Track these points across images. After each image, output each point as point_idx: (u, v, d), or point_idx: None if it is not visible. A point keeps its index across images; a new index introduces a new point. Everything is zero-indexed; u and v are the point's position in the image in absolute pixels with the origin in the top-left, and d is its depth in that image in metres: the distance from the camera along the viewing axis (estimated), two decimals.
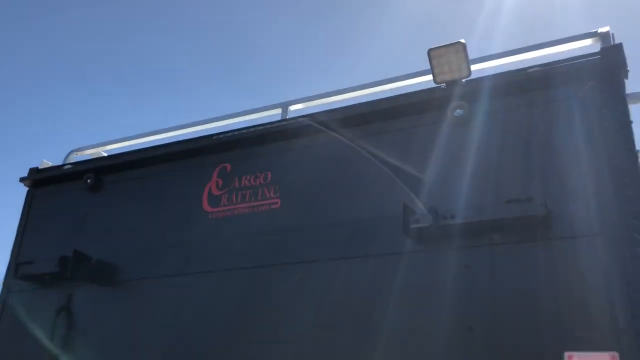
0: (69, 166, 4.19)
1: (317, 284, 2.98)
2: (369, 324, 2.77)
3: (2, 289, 3.99)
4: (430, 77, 3.20)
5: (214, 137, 3.69)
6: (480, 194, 2.78)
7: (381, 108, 3.23)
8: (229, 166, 3.55)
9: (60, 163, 4.66)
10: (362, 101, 3.55)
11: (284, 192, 3.30)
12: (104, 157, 4.17)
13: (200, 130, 4.27)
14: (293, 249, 3.11)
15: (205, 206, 3.51)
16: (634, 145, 2.65)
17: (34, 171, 4.33)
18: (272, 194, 3.33)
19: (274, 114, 4.02)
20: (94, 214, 3.91)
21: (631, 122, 2.71)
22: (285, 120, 3.63)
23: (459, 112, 2.99)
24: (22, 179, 4.30)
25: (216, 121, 4.20)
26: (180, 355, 3.20)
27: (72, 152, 4.71)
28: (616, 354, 2.27)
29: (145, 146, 4.30)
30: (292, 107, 3.94)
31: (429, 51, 3.10)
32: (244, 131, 3.60)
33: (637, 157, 2.62)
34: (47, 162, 4.54)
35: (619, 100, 2.73)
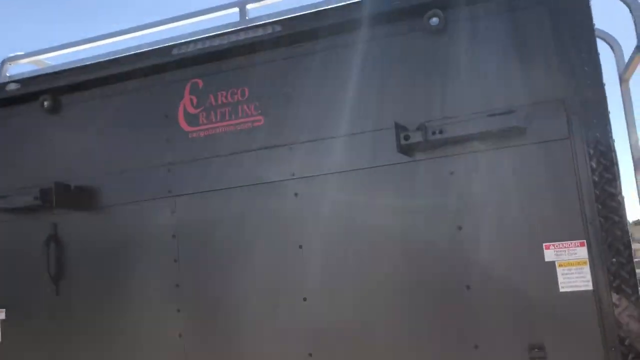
0: (15, 85, 3.90)
1: (313, 198, 3.20)
2: (366, 231, 3.08)
3: None
4: None
5: (173, 52, 3.54)
6: (459, 105, 2.99)
7: (358, 15, 3.20)
8: (200, 82, 3.50)
9: None
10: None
11: (265, 108, 3.35)
12: (57, 75, 3.85)
13: (150, 34, 4.06)
14: (285, 166, 3.25)
15: (184, 125, 3.50)
16: (596, 51, 2.89)
17: None
18: (252, 110, 3.37)
19: (230, 13, 3.86)
20: (58, 138, 3.79)
21: (594, 25, 2.92)
22: (248, 28, 3.48)
23: (434, 20, 3.07)
24: None
25: (166, 24, 3.98)
26: (173, 274, 3.42)
27: (4, 61, 4.35)
28: (584, 242, 2.75)
29: (90, 54, 4.06)
30: (250, 6, 3.79)
31: None
32: (207, 45, 3.47)
33: (599, 65, 2.88)
34: None
35: (584, 5, 2.90)
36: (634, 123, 3.48)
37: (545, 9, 2.93)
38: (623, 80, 3.54)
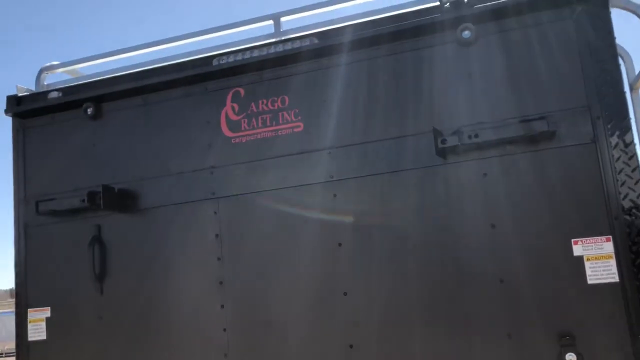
0: (57, 94, 4.08)
1: (352, 198, 3.41)
2: (403, 230, 3.29)
3: (17, 224, 4.06)
4: None
5: (214, 63, 3.74)
6: (492, 112, 3.22)
7: (392, 29, 3.43)
8: (242, 91, 3.70)
9: (33, 85, 4.50)
10: (359, 12, 3.73)
11: (304, 115, 3.56)
12: (101, 83, 4.04)
13: (187, 44, 4.26)
14: (324, 169, 3.46)
15: (226, 131, 3.70)
16: (617, 61, 3.15)
17: (14, 100, 4.17)
18: (292, 117, 3.58)
19: (265, 25, 4.08)
20: (102, 143, 3.97)
21: (614, 37, 3.18)
22: (284, 41, 3.69)
23: (466, 33, 3.30)
24: (7, 111, 4.15)
25: (203, 35, 4.19)
26: (217, 272, 3.60)
27: (42, 71, 4.52)
28: (610, 237, 2.99)
29: (126, 63, 4.26)
30: (284, 19, 4.01)
31: None
32: (248, 56, 3.68)
33: (620, 74, 3.13)
34: (23, 87, 4.37)
35: (606, 21, 3.16)
36: None
37: (572, 23, 3.18)
38: (633, 89, 3.78)
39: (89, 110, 3.95)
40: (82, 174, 3.96)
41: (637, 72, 3.69)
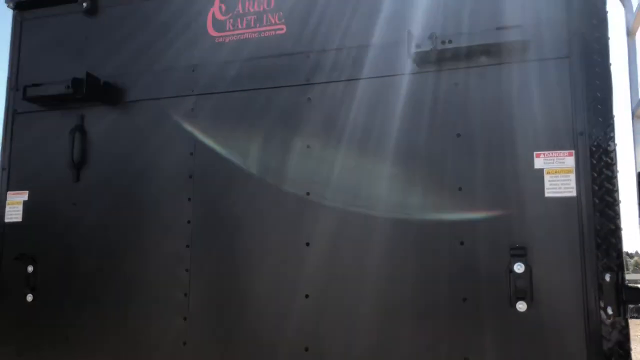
0: None
1: (325, 103, 3.42)
2: (374, 139, 3.29)
3: (7, 111, 4.18)
4: None
5: None
6: (468, 20, 3.20)
7: None
8: None
9: None
10: None
11: (288, 18, 3.57)
12: None
13: None
14: (301, 72, 3.48)
15: (211, 30, 3.74)
16: None
17: None
18: (276, 20, 3.60)
19: None
20: (95, 37, 4.04)
21: None
22: None
23: None
24: (7, 1, 4.26)
25: None
26: (189, 168, 3.66)
27: None
28: (573, 152, 2.95)
29: None
30: None
31: None
32: None
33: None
34: None
35: None
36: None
37: None
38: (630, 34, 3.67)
39: (85, 4, 4.03)
40: (73, 67, 4.03)
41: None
